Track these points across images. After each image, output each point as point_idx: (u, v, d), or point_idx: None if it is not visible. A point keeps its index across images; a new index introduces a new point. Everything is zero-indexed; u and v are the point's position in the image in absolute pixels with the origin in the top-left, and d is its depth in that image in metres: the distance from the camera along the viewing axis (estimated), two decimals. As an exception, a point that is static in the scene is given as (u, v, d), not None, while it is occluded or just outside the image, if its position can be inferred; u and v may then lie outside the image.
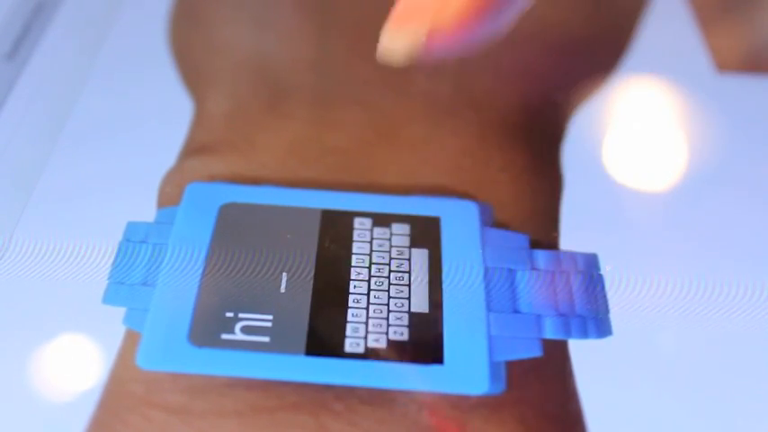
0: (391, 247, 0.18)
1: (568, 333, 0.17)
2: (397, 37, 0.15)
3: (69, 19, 0.25)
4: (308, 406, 0.15)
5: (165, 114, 0.23)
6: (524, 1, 0.16)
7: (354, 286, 0.17)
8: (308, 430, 0.15)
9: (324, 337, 0.16)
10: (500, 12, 0.15)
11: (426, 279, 0.17)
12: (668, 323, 0.18)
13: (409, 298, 0.17)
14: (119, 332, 0.17)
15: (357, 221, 0.18)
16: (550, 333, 0.16)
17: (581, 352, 0.17)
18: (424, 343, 0.16)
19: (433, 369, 0.15)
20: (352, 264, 0.17)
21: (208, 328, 0.16)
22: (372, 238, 0.18)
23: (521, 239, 0.18)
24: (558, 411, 0.17)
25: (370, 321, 0.16)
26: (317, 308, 0.16)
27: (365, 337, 0.16)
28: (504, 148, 0.21)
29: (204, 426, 0.15)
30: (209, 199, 0.18)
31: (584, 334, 0.17)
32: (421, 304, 0.16)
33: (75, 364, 0.17)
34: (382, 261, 0.17)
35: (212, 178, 0.19)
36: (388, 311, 0.16)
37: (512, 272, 0.17)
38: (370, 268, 0.17)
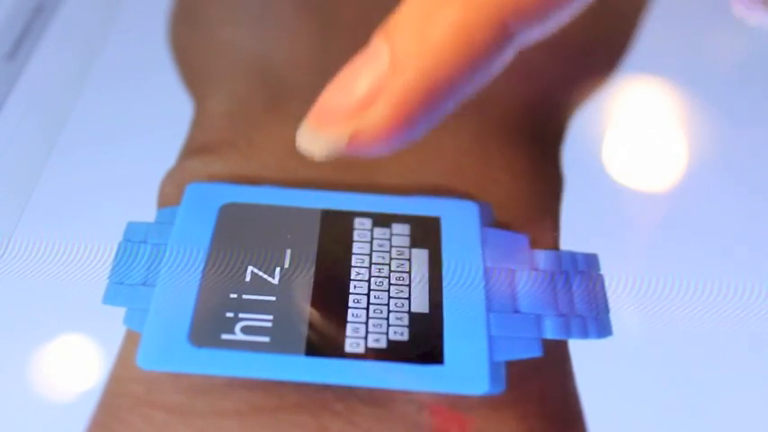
0: (391, 247, 0.18)
1: (568, 333, 0.17)
2: (315, 139, 0.15)
3: (69, 20, 0.25)
4: (309, 406, 0.15)
5: (165, 114, 0.23)
6: (454, 103, 0.15)
7: (354, 286, 0.17)
8: (308, 430, 0.15)
9: (324, 338, 0.16)
10: (432, 111, 0.14)
11: (426, 279, 0.17)
12: (668, 323, 0.18)
13: (409, 298, 0.17)
14: (119, 332, 0.17)
15: (357, 222, 0.18)
16: (550, 333, 0.16)
17: (581, 352, 0.17)
18: (424, 343, 0.16)
19: (433, 369, 0.15)
20: (353, 264, 0.17)
21: (208, 329, 0.16)
22: (372, 239, 0.18)
23: (521, 239, 0.18)
24: (558, 411, 0.17)
25: (371, 321, 0.16)
26: (317, 308, 0.16)
27: (365, 338, 0.16)
28: (505, 148, 0.21)
29: (204, 426, 0.15)
30: (209, 199, 0.18)
31: (585, 334, 0.17)
32: (421, 304, 0.16)
33: (76, 365, 0.17)
34: (382, 261, 0.17)
35: (212, 178, 0.19)
36: (389, 311, 0.16)
37: (512, 272, 0.17)
38: (370, 268, 0.17)
